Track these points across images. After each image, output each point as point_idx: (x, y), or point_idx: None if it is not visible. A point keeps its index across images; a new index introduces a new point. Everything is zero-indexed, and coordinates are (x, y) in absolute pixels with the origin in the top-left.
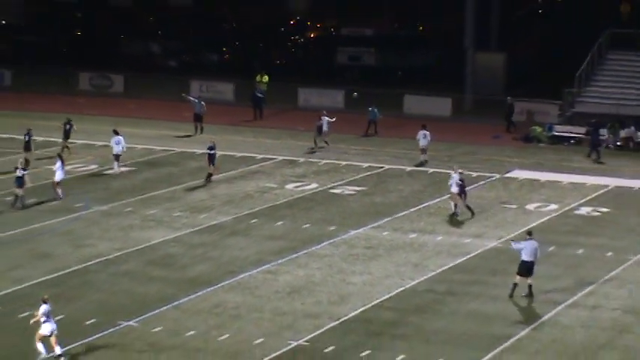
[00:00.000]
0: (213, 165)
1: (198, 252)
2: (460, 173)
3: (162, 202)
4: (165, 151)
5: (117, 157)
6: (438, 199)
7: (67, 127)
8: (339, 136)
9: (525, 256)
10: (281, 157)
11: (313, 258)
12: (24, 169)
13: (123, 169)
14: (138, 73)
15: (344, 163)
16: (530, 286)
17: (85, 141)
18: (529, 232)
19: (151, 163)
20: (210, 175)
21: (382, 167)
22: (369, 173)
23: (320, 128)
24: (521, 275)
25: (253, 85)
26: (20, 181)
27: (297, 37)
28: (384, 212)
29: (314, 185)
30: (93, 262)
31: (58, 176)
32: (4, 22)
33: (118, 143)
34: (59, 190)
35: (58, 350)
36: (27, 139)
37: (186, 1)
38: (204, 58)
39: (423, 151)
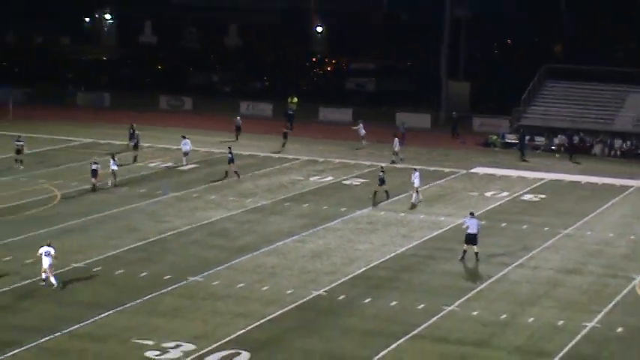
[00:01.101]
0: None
1: (246, 227)
2: (415, 170)
3: (220, 190)
4: (222, 153)
5: (185, 154)
6: (421, 188)
7: (131, 131)
8: (348, 142)
9: (470, 230)
10: (306, 158)
11: (330, 231)
12: (96, 163)
13: (190, 165)
14: (202, 96)
15: (352, 162)
16: (476, 253)
17: (164, 145)
18: (471, 213)
19: (211, 162)
20: (236, 172)
21: (380, 165)
22: (370, 170)
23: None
24: (467, 244)
25: (286, 105)
26: (94, 173)
27: (318, 69)
28: (381, 198)
29: (330, 178)
30: (169, 233)
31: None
32: (104, 58)
33: (185, 144)
34: (109, 181)
35: (53, 280)
36: (131, 131)
37: (237, 43)
38: (250, 85)
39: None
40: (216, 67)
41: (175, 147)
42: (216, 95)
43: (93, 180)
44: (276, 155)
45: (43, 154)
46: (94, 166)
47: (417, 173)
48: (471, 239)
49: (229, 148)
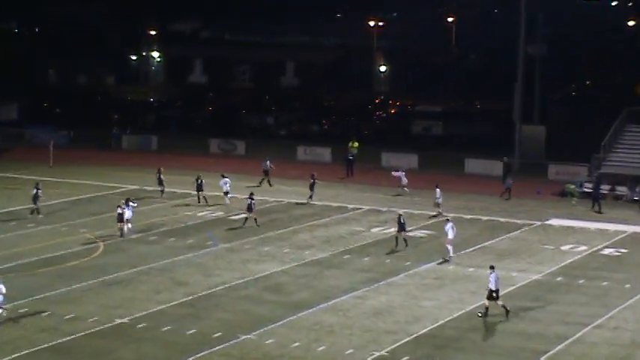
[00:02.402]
0: (250, 211)
1: (302, 281)
2: (449, 220)
3: (274, 241)
4: (277, 201)
5: (226, 193)
6: (492, 241)
7: (199, 181)
8: (415, 190)
9: (490, 285)
10: (367, 207)
11: (393, 287)
12: (126, 206)
13: (242, 214)
14: (256, 139)
15: (417, 212)
16: (504, 307)
17: (214, 192)
18: (492, 267)
19: (265, 211)
20: (255, 219)
21: (447, 216)
22: (435, 221)
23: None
24: (489, 300)
25: (346, 150)
26: (120, 217)
27: (381, 112)
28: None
29: (393, 229)
30: (219, 288)
31: (128, 215)
32: (151, 99)
33: (225, 183)
34: (124, 228)
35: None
36: (199, 182)
37: (293, 83)
38: (308, 128)
39: (438, 205)
40: (271, 109)
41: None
42: (270, 139)
43: (119, 225)
44: (335, 204)
45: (86, 202)
46: (120, 210)
47: (451, 224)
48: (491, 295)
49: (251, 194)
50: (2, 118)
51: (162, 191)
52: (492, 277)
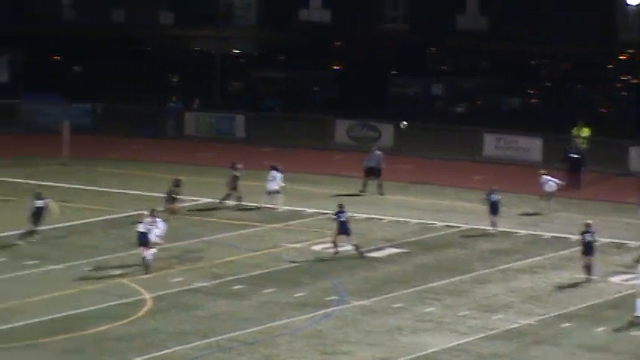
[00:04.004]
0: (347, 235)
1: None
2: None
3: (443, 296)
4: (449, 227)
5: (269, 193)
6: None
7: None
8: None
9: None
10: (605, 239)
11: None
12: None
13: (391, 248)
14: (413, 122)
15: None
16: None
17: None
18: None
19: (429, 244)
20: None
21: None
22: None
23: None
24: None
25: (568, 141)
26: (143, 238)
27: (628, 77)
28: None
29: None
30: None
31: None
32: (236, 51)
33: (272, 179)
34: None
35: None
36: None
37: (478, 25)
38: (502, 103)
39: None
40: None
41: (365, 216)
42: (438, 121)
43: (140, 250)
44: (547, 234)
45: (119, 224)
46: (142, 228)
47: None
48: None
49: (340, 206)
50: None
51: (238, 198)
52: None
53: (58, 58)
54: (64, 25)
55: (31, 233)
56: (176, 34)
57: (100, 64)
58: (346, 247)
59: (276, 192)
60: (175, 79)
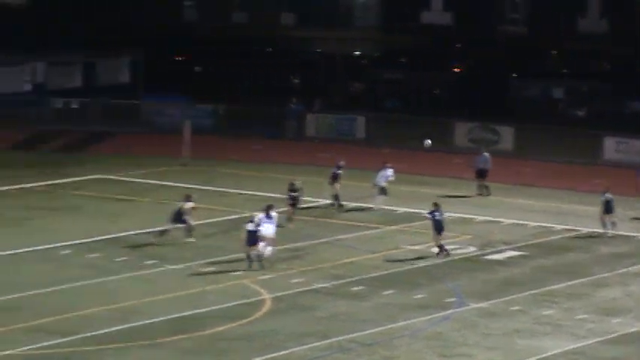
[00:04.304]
0: (439, 234)
1: None
2: None
3: (562, 299)
4: (568, 230)
5: (382, 191)
6: None
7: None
8: None
9: None
10: None
11: None
12: (267, 217)
13: (510, 251)
14: (533, 125)
15: None
16: None
17: (460, 214)
18: None
19: (549, 247)
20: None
21: None
22: None
23: None
24: None
25: None
26: (251, 237)
27: None
28: None
29: None
30: None
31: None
32: (357, 53)
33: (382, 177)
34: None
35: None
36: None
37: (599, 28)
38: (624, 107)
39: None
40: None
41: (481, 218)
42: (558, 124)
43: (250, 250)
44: None
45: (235, 224)
46: (251, 226)
47: None
48: None
49: (435, 205)
50: (104, 81)
51: (335, 199)
52: None
53: (180, 58)
54: (185, 25)
55: (164, 232)
56: (297, 35)
57: (222, 64)
58: (468, 249)
59: (383, 189)
60: (296, 81)
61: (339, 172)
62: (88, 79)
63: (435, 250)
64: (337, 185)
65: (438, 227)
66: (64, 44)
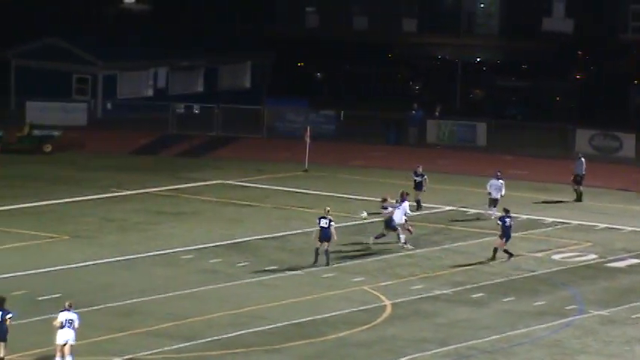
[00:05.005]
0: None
1: None
2: None
3: None
4: None
5: (493, 202)
6: None
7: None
8: None
9: None
10: None
11: None
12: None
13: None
14: None
15: None
16: None
17: (581, 221)
18: None
19: None
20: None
21: None
22: None
23: None
24: None
25: None
26: (325, 234)
27: None
28: None
29: None
30: None
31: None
32: (478, 60)
33: (495, 186)
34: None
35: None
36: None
37: None
38: None
39: None
40: None
41: (602, 225)
42: None
43: (319, 245)
44: None
45: (354, 230)
46: (324, 223)
47: None
48: None
49: (506, 210)
50: (226, 85)
51: (417, 204)
52: None
53: (301, 64)
54: (307, 31)
55: (380, 236)
56: (418, 41)
57: (343, 70)
58: (589, 256)
59: (495, 200)
60: (417, 87)
61: (416, 178)
62: (209, 85)
63: (504, 255)
64: (419, 193)
65: (507, 234)
66: (185, 49)
